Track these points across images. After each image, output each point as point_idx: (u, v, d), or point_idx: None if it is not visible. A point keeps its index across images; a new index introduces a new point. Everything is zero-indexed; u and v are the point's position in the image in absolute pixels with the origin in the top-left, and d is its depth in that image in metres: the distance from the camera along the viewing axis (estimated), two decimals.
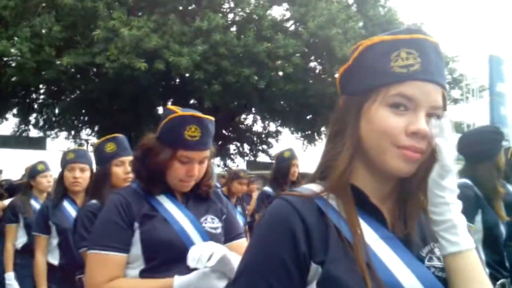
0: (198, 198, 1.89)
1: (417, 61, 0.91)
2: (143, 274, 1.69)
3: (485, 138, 2.84)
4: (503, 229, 2.74)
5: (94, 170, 2.93)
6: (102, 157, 2.66)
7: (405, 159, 0.90)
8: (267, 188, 4.91)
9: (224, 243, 1.85)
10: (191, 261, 1.60)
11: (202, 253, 1.58)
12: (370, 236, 0.92)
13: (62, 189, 3.34)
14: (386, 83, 0.91)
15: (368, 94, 0.93)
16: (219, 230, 1.85)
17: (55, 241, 3.29)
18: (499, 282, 2.61)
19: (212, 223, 1.84)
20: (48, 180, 4.31)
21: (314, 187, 1.00)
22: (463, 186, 2.79)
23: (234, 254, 1.60)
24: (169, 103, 13.67)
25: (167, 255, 1.68)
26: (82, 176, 3.29)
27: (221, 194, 2.05)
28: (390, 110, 0.91)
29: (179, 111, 1.74)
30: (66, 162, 3.30)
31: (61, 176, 3.34)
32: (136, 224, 1.71)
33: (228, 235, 1.90)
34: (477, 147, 2.78)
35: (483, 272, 0.91)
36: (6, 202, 4.93)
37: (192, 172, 1.75)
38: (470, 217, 2.69)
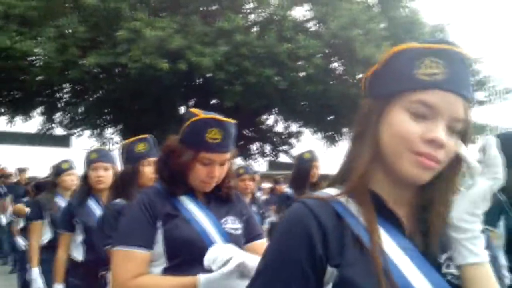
0: (219, 199, 1.94)
1: (442, 71, 0.91)
2: (166, 272, 1.74)
3: (509, 143, 2.79)
4: None
5: (120, 168, 2.97)
6: (131, 156, 2.71)
7: (421, 166, 0.90)
8: (288, 190, 4.92)
9: (244, 243, 1.90)
10: (206, 261, 1.63)
11: (219, 256, 1.61)
12: (387, 242, 0.93)
13: (86, 188, 3.42)
14: (409, 89, 0.92)
15: (391, 99, 0.94)
16: (239, 231, 1.90)
17: (79, 238, 3.36)
18: None
19: (232, 224, 1.89)
20: (72, 179, 4.39)
21: (333, 192, 1.01)
22: None
23: (254, 256, 1.63)
24: (191, 103, 13.76)
25: (188, 254, 1.73)
26: (105, 175, 3.37)
27: (241, 196, 2.08)
28: (410, 116, 0.92)
29: (201, 114, 1.78)
30: (90, 161, 3.38)
31: (85, 175, 3.42)
32: (159, 223, 1.76)
33: (248, 236, 1.95)
34: (504, 152, 2.73)
35: (497, 284, 0.92)
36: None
37: (213, 173, 1.80)
38: (493, 222, 2.65)
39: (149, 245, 1.74)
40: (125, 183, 2.72)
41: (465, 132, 0.96)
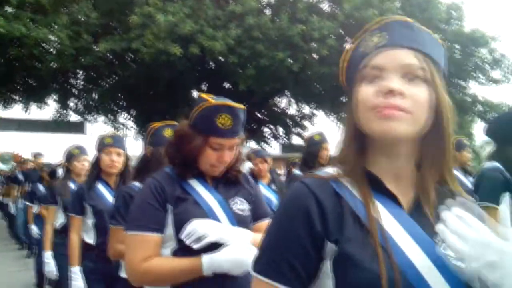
0: (227, 182, 1.98)
1: (384, 38, 0.99)
2: (175, 253, 1.77)
3: (510, 121, 2.76)
4: None
5: (143, 150, 2.96)
6: (160, 139, 2.71)
7: (383, 118, 0.93)
8: (297, 171, 4.91)
9: (252, 222, 1.95)
10: (183, 234, 1.72)
11: (195, 232, 1.70)
12: (385, 217, 0.95)
13: (96, 172, 3.44)
14: (362, 62, 0.99)
15: (354, 81, 1.01)
16: (247, 213, 1.93)
17: (90, 221, 3.39)
18: None
19: (240, 205, 1.92)
20: (82, 164, 4.42)
21: (331, 170, 1.05)
22: (493, 169, 2.73)
23: (243, 236, 1.76)
24: (204, 87, 13.76)
25: None
26: (118, 160, 3.39)
27: (249, 177, 2.11)
28: (366, 83, 0.97)
29: (211, 99, 1.80)
30: (103, 145, 3.40)
31: (97, 159, 3.44)
32: (169, 206, 1.80)
33: (255, 216, 1.99)
34: (507, 130, 2.70)
35: None
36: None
37: (222, 158, 1.84)
38: (497, 200, 2.62)
39: (161, 228, 1.78)
40: (146, 165, 2.73)
41: (431, 78, 0.97)
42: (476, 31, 11.86)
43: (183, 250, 1.75)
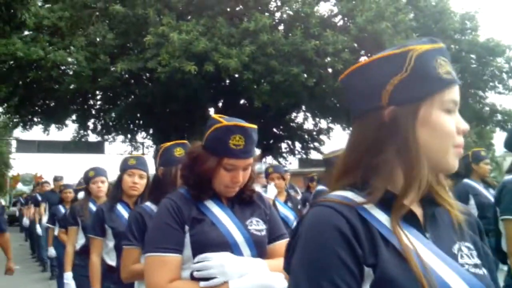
0: (243, 202, 1.95)
1: (451, 67, 0.99)
2: (194, 276, 1.73)
3: None
4: None
5: (157, 171, 2.97)
6: (170, 159, 2.72)
7: (458, 156, 0.98)
8: (322, 186, 4.89)
9: (268, 244, 1.91)
10: (196, 265, 1.70)
11: (208, 269, 1.68)
12: (414, 242, 0.94)
13: (119, 193, 3.44)
14: (441, 89, 0.97)
15: (421, 102, 0.97)
16: (264, 233, 1.91)
17: (111, 243, 3.39)
18: None
19: (257, 225, 1.90)
20: (98, 186, 4.44)
21: (350, 195, 1.00)
22: None
23: (258, 276, 1.70)
24: (220, 104, 13.84)
25: None
26: (140, 182, 3.38)
27: (263, 196, 2.10)
28: (445, 113, 0.97)
29: (224, 121, 1.80)
30: (127, 167, 3.40)
31: (120, 180, 3.44)
32: (186, 227, 1.78)
33: (272, 236, 1.95)
34: None
35: None
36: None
37: (237, 178, 1.82)
38: None
39: (180, 248, 1.75)
40: (159, 186, 2.74)
41: None
42: (491, 40, 11.78)
43: None
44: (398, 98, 0.98)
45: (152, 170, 3.31)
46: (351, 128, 1.11)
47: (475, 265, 0.98)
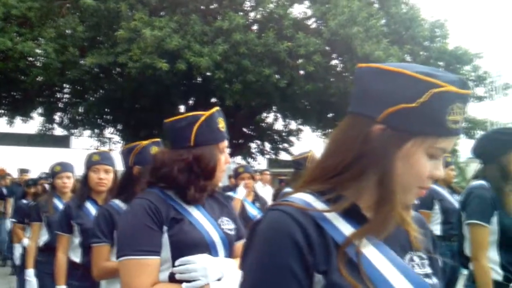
0: (212, 201, 1.97)
1: (462, 118, 0.96)
2: (173, 277, 1.71)
3: (490, 139, 2.87)
4: None
5: (127, 168, 2.91)
6: (148, 158, 2.68)
7: (418, 196, 1.01)
8: (288, 189, 4.91)
9: None
10: (177, 270, 1.69)
11: (190, 272, 1.66)
12: (368, 248, 0.96)
13: (86, 190, 3.39)
14: (439, 136, 0.96)
15: (413, 136, 0.95)
16: (233, 232, 1.92)
17: (77, 240, 3.35)
18: None
19: (228, 225, 1.91)
20: (63, 181, 4.36)
21: (311, 200, 1.00)
22: (480, 187, 2.78)
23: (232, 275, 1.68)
24: (191, 102, 13.76)
25: None
26: (107, 177, 3.34)
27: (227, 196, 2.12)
28: (427, 156, 0.97)
29: (204, 112, 1.89)
30: (91, 163, 3.35)
31: (86, 177, 3.39)
32: (164, 228, 1.74)
33: (237, 235, 1.97)
34: (492, 149, 2.79)
35: None
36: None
37: (227, 159, 1.93)
38: (486, 218, 2.68)
39: (159, 251, 1.71)
40: (131, 184, 2.70)
41: None
42: (459, 48, 12.07)
43: None
44: (394, 122, 0.95)
45: (119, 166, 3.27)
46: (337, 123, 1.07)
47: (426, 275, 1.01)
